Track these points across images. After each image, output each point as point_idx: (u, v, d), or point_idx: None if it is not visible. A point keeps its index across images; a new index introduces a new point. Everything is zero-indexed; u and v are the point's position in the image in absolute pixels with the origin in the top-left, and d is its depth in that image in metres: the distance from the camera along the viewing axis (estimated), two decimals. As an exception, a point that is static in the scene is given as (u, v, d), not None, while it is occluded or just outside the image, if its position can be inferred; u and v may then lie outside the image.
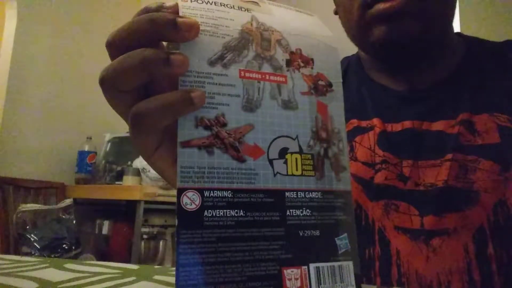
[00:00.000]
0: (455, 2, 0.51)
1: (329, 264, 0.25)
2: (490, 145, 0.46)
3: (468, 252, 0.43)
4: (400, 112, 0.52)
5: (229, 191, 0.23)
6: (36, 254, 1.86)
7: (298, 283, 0.24)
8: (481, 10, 1.91)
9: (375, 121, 0.52)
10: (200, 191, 0.23)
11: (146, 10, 0.26)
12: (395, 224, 0.47)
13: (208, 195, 0.23)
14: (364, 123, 0.53)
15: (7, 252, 1.91)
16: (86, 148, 2.39)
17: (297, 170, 0.26)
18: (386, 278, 0.46)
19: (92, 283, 0.33)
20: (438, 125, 0.49)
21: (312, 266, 0.24)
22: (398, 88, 0.54)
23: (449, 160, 0.46)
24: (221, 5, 0.27)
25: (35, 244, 1.89)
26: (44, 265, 0.41)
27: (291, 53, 0.28)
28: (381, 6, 0.46)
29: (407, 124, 0.50)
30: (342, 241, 0.26)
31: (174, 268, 0.23)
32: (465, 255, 0.43)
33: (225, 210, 0.23)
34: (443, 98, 0.51)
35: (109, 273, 0.38)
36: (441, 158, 0.47)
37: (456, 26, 1.85)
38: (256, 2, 0.30)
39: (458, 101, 0.50)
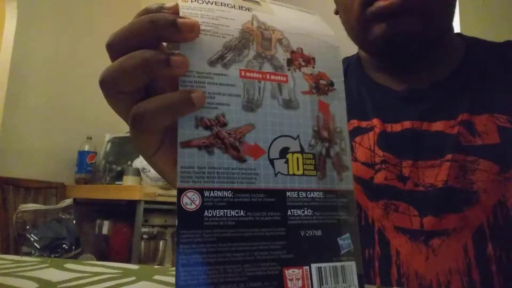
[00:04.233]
0: (455, 1, 0.51)
1: (331, 264, 0.25)
2: (490, 146, 0.46)
3: (467, 253, 0.43)
4: (400, 113, 0.51)
5: (230, 191, 0.23)
6: (36, 254, 1.86)
7: (300, 284, 0.23)
8: (481, 10, 1.91)
9: (375, 121, 0.52)
10: (200, 191, 0.23)
11: (147, 11, 0.26)
12: (394, 225, 0.47)
13: (208, 195, 0.23)
14: (364, 124, 0.53)
15: (7, 252, 1.90)
16: (86, 148, 2.39)
17: (298, 169, 0.26)
18: (385, 278, 0.46)
19: (92, 283, 0.33)
20: (437, 126, 0.49)
21: (314, 266, 0.24)
22: (398, 88, 0.54)
23: (448, 161, 0.46)
24: (221, 4, 0.27)
25: (35, 244, 1.89)
26: (44, 265, 0.41)
27: (292, 52, 0.28)
28: (381, 3, 0.46)
29: (407, 124, 0.50)
30: (345, 241, 0.26)
31: (174, 268, 0.23)
32: (465, 255, 0.43)
33: (225, 210, 0.23)
34: (442, 98, 0.51)
35: (109, 273, 0.38)
36: (441, 158, 0.47)
37: (456, 26, 1.85)
38: (257, 2, 0.30)
39: (458, 102, 0.49)
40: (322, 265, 0.25)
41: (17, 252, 1.92)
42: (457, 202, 0.45)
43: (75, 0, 2.57)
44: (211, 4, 0.27)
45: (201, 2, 0.27)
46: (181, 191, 0.22)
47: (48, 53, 2.40)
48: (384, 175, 0.49)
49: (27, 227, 1.94)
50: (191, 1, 0.26)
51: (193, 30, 0.24)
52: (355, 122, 0.54)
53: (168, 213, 2.21)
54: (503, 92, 0.49)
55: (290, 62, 0.27)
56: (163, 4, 0.27)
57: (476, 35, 0.58)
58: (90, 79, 2.20)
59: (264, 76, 0.26)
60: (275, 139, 0.25)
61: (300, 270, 0.24)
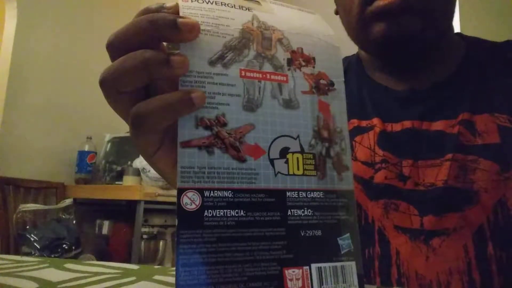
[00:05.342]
0: (455, 1, 0.51)
1: (331, 264, 0.25)
2: (490, 145, 0.46)
3: (467, 252, 0.43)
4: (400, 112, 0.51)
5: (230, 191, 0.23)
6: (36, 254, 1.86)
7: (300, 284, 0.23)
8: (481, 10, 1.91)
9: (375, 121, 0.52)
10: (200, 191, 0.23)
11: (147, 11, 0.26)
12: (395, 224, 0.47)
13: (208, 195, 0.23)
14: (364, 123, 0.53)
15: (7, 252, 1.90)
16: (86, 148, 2.39)
17: (298, 169, 0.26)
18: (385, 278, 0.46)
19: (92, 283, 0.33)
20: (438, 125, 0.49)
21: (313, 266, 0.24)
22: (398, 88, 0.54)
23: (449, 160, 0.46)
24: (222, 4, 0.27)
25: (35, 244, 1.89)
26: (44, 265, 0.41)
27: (292, 52, 0.28)
28: (380, 2, 0.46)
29: (407, 124, 0.50)
30: (345, 241, 0.26)
31: (174, 268, 0.23)
32: (465, 255, 0.43)
33: (225, 210, 0.23)
34: (443, 98, 0.51)
35: (109, 273, 0.38)
36: (441, 158, 0.47)
37: (456, 26, 1.85)
38: (257, 1, 0.30)
39: (458, 101, 0.49)
40: (322, 265, 0.24)
41: (17, 252, 1.92)
42: (457, 202, 0.45)
43: (75, 0, 2.56)
44: (212, 3, 0.27)
45: (201, 1, 0.27)
46: (181, 191, 0.22)
47: (48, 53, 2.40)
48: (384, 174, 0.49)
49: (27, 227, 1.94)
50: (191, 1, 0.26)
51: (193, 30, 0.24)
52: (355, 122, 0.54)
53: (168, 213, 2.21)
54: (503, 91, 0.49)
55: (290, 62, 0.27)
56: (164, 3, 0.26)
57: (476, 35, 0.58)
58: (90, 79, 2.20)
59: (264, 76, 0.26)
60: (275, 139, 0.25)
61: (300, 270, 0.24)
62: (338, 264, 0.25)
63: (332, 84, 0.28)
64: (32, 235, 1.90)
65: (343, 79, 0.29)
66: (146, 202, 2.03)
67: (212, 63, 0.25)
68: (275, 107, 0.26)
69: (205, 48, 0.25)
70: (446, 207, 0.45)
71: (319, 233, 0.25)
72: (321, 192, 0.26)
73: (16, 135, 2.22)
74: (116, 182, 2.23)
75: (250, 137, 0.25)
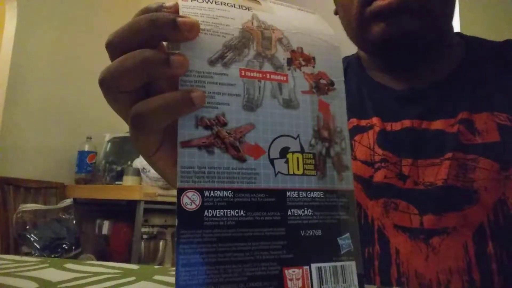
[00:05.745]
0: (455, 1, 0.51)
1: (331, 264, 0.25)
2: (490, 144, 0.46)
3: (467, 252, 0.43)
4: (400, 111, 0.52)
5: (230, 191, 0.23)
6: (36, 254, 1.86)
7: (300, 284, 0.23)
8: (481, 10, 1.91)
9: (375, 120, 0.52)
10: (200, 191, 0.23)
11: (146, 10, 0.26)
12: (394, 223, 0.47)
13: (208, 195, 0.23)
14: (363, 122, 0.53)
15: (7, 252, 1.91)
16: (86, 148, 2.39)
17: (298, 169, 0.26)
18: (385, 277, 0.46)
19: (92, 283, 0.33)
20: (437, 124, 0.49)
21: (313, 266, 0.24)
22: (398, 87, 0.54)
23: (448, 159, 0.46)
24: (221, 4, 0.27)
25: (35, 244, 1.89)
26: (44, 265, 0.41)
27: (292, 51, 0.28)
28: (380, 3, 0.46)
29: (407, 123, 0.50)
30: (345, 241, 0.26)
31: (174, 268, 0.23)
32: (465, 254, 0.43)
33: (225, 210, 0.23)
34: (442, 97, 0.51)
35: (109, 273, 0.38)
36: (441, 157, 0.47)
37: (456, 26, 1.85)
38: (257, 1, 0.30)
39: (458, 100, 0.49)
40: (322, 265, 0.24)
41: (17, 252, 1.92)
42: (457, 201, 0.45)
43: (75, 0, 2.57)
44: (211, 3, 0.27)
45: (201, 1, 0.27)
46: (181, 191, 0.22)
47: (48, 53, 2.40)
48: (384, 173, 0.49)
49: (27, 227, 1.94)
50: (191, 0, 0.26)
51: (193, 29, 0.24)
52: (354, 121, 0.54)
53: (168, 213, 2.21)
54: (503, 90, 0.49)
55: (290, 61, 0.27)
56: (163, 3, 0.26)
57: (476, 35, 0.58)
58: (90, 79, 2.20)
59: (264, 75, 0.26)
60: (275, 139, 0.25)
61: (300, 270, 0.24)
62: (338, 264, 0.25)
63: (332, 83, 0.28)
64: (32, 235, 1.91)
65: (343, 79, 0.29)
66: (146, 202, 2.03)
67: (212, 62, 0.25)
68: (275, 107, 0.26)
69: (205, 47, 0.25)
70: (446, 206, 0.45)
71: (319, 233, 0.25)
72: (321, 192, 0.26)
73: (16, 135, 2.22)
74: (116, 182, 2.23)
75: (250, 137, 0.25)
